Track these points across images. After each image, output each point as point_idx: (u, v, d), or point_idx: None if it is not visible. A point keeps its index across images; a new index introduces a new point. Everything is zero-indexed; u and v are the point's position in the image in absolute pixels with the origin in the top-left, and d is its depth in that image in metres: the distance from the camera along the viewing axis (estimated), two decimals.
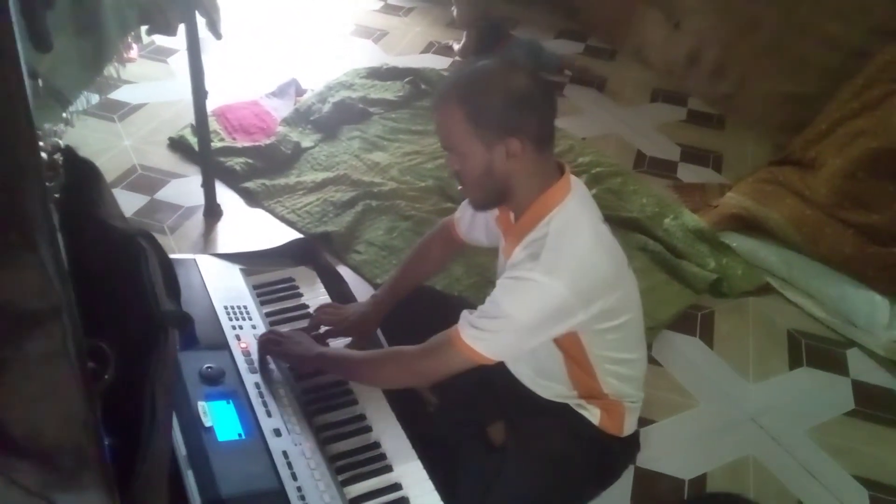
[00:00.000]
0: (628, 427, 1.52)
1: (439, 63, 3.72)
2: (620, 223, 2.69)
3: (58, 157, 1.23)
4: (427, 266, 1.76)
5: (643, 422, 1.63)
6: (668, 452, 1.99)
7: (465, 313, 1.37)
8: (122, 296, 1.17)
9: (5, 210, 0.46)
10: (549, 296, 1.29)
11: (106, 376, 0.73)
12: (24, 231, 0.48)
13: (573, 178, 1.41)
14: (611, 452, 1.53)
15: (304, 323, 1.67)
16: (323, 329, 1.65)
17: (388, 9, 4.24)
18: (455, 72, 1.94)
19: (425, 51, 3.86)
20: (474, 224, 1.65)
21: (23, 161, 0.47)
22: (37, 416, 0.54)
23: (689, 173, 3.14)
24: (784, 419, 2.14)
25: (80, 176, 1.28)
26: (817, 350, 2.39)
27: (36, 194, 0.48)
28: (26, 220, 0.48)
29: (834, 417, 2.18)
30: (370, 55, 3.73)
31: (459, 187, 1.43)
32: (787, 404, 2.20)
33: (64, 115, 2.05)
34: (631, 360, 1.49)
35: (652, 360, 2.20)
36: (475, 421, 1.63)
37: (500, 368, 1.58)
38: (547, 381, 1.51)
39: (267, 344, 1.51)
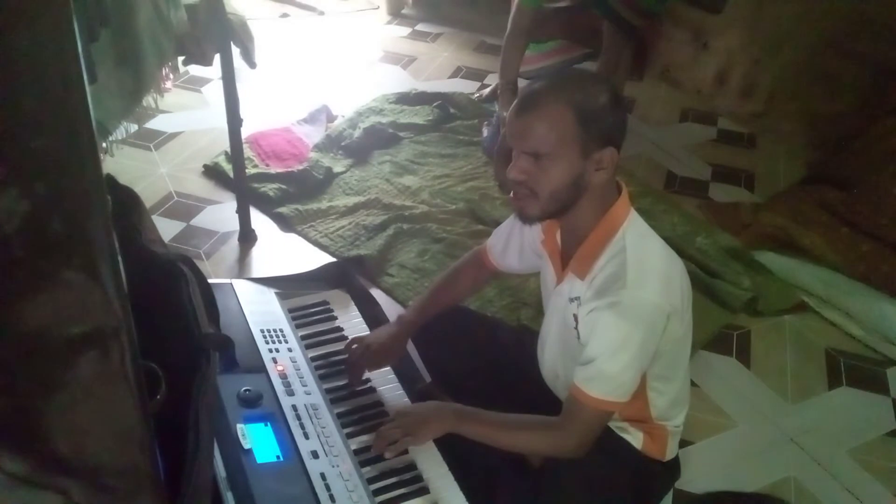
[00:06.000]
0: (670, 451, 1.51)
1: (467, 87, 3.74)
2: None
3: None
4: (456, 292, 1.73)
5: (681, 443, 1.61)
6: (707, 474, 1.96)
7: (578, 371, 1.33)
8: (163, 319, 1.19)
9: (69, 234, 0.48)
10: (648, 311, 1.28)
11: (158, 396, 0.74)
12: (87, 254, 0.49)
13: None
14: (652, 477, 1.50)
15: (339, 346, 1.68)
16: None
17: (416, 35, 4.29)
18: (550, 75, 1.78)
19: (453, 76, 3.89)
20: (507, 250, 1.64)
21: (88, 186, 0.48)
22: (94, 435, 0.56)
23: (720, 192, 3.12)
24: (824, 440, 2.10)
25: (122, 203, 1.31)
26: (856, 369, 2.34)
27: (99, 218, 0.50)
28: (89, 244, 0.49)
29: (875, 437, 2.13)
30: (399, 81, 3.77)
31: (515, 197, 1.33)
32: (827, 425, 2.16)
33: (103, 144, 2.09)
34: (679, 380, 1.47)
35: None
36: None
37: (541, 388, 1.57)
38: None
39: (394, 436, 1.39)
